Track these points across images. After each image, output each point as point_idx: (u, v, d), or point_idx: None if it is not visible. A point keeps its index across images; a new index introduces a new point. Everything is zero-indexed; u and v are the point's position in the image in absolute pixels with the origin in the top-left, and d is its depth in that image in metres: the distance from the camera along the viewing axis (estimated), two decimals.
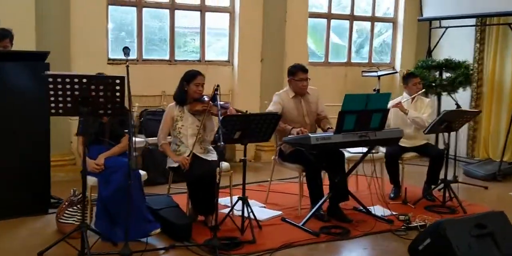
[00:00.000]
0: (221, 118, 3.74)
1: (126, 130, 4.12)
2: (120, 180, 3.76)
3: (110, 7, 6.14)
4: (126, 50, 3.60)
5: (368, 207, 4.67)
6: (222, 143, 3.57)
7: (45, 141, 4.51)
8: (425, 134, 5.09)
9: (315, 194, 4.57)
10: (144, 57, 6.44)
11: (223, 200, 4.81)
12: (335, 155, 4.61)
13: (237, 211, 4.33)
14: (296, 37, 7.15)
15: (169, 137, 4.45)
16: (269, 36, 6.98)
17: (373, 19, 8.14)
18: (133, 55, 6.35)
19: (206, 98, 4.35)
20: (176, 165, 4.28)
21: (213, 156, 4.39)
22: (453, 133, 5.33)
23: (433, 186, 5.27)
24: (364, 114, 4.13)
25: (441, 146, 6.57)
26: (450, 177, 5.64)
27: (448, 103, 6.92)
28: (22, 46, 4.83)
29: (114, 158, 3.97)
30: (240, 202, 4.10)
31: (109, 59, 6.16)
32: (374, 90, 7.38)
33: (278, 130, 4.57)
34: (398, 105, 5.22)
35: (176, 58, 6.62)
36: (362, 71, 7.61)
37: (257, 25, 6.92)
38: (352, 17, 7.91)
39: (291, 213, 4.70)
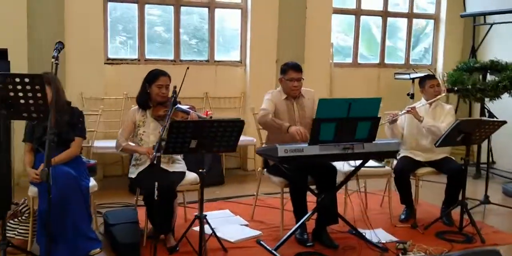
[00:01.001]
0: (167, 124, 3.24)
1: (78, 134, 3.72)
2: (59, 192, 3.35)
3: (109, 3, 5.81)
4: (57, 45, 3.18)
5: (365, 231, 3.98)
6: (157, 153, 3.08)
7: (4, 142, 4.16)
8: (437, 147, 4.27)
9: (299, 214, 3.96)
10: (147, 56, 6.06)
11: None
12: (324, 169, 3.97)
13: (207, 229, 3.78)
14: (318, 36, 6.53)
15: (133, 144, 4.00)
16: (286, 35, 6.37)
17: (410, 15, 7.31)
18: (134, 55, 5.99)
19: None
20: (134, 175, 3.84)
21: (178, 167, 3.90)
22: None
23: (450, 208, 4.46)
24: (346, 122, 3.48)
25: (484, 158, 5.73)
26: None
27: (492, 111, 6.08)
28: (12, 44, 4.57)
29: (57, 167, 3.53)
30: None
31: (108, 59, 5.82)
32: (408, 94, 6.62)
33: (272, 127, 3.98)
34: (411, 111, 4.47)
35: (182, 58, 6.18)
36: (395, 73, 6.86)
37: (272, 22, 6.32)
38: (385, 13, 7.14)
39: (271, 234, 4.11)
